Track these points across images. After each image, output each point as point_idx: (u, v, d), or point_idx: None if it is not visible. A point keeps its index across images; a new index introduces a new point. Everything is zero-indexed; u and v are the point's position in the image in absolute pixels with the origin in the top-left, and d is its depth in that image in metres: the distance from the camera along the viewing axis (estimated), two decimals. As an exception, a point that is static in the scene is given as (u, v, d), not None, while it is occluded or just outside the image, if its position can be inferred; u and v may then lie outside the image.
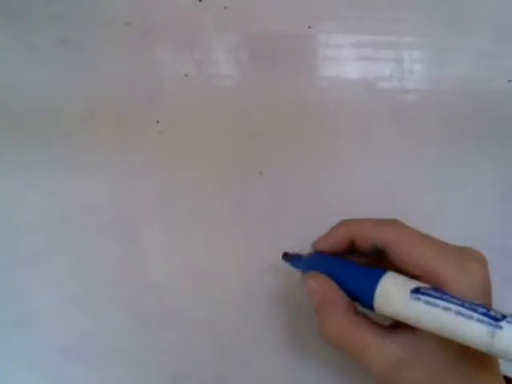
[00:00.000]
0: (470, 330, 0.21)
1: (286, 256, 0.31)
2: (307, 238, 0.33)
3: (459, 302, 0.22)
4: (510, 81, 0.37)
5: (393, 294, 0.24)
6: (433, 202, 0.36)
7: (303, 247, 0.32)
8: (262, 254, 0.35)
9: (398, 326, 0.25)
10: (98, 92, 0.35)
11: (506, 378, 0.27)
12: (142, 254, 0.35)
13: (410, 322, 0.24)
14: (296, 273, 0.35)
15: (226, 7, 0.35)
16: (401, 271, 0.26)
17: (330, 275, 0.27)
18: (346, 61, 0.36)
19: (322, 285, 0.27)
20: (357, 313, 0.27)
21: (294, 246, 0.34)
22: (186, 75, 0.35)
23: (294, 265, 0.31)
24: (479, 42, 0.37)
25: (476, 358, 0.25)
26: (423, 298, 0.23)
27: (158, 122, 0.35)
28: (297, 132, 0.36)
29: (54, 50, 0.35)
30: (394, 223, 0.27)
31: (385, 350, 0.25)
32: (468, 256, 0.26)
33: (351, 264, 0.28)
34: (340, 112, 0.36)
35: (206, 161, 0.36)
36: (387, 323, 0.27)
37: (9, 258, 0.34)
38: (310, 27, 0.36)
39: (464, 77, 0.37)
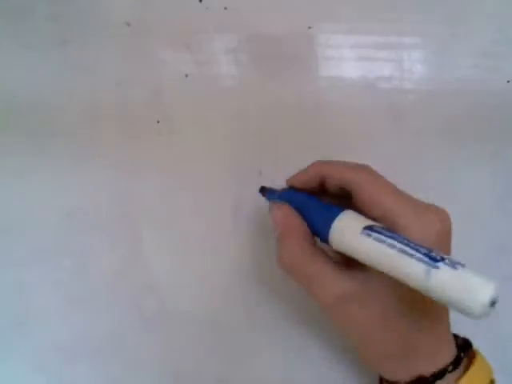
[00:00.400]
0: (409, 267, 0.21)
1: (263, 190, 0.32)
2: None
3: (405, 242, 0.22)
4: (509, 81, 0.37)
5: (346, 229, 0.25)
6: (432, 202, 0.36)
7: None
8: (262, 254, 0.35)
9: (351, 265, 0.26)
10: (99, 92, 0.35)
11: (455, 336, 0.28)
12: (142, 253, 0.35)
13: (359, 256, 0.24)
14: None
15: (226, 8, 0.35)
16: (364, 214, 0.26)
17: (296, 209, 0.28)
18: (346, 61, 0.37)
19: (284, 214, 0.28)
20: (315, 245, 0.27)
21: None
22: (187, 75, 0.36)
23: (269, 198, 0.31)
24: (479, 42, 0.37)
25: (424, 308, 0.25)
26: (373, 234, 0.23)
27: (158, 122, 0.35)
28: (297, 132, 0.36)
29: (54, 50, 0.35)
30: (363, 168, 0.28)
31: (334, 282, 0.26)
32: (428, 208, 0.26)
33: (317, 200, 0.29)
34: (340, 112, 0.36)
35: (206, 161, 0.36)
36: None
37: (9, 257, 0.34)
38: (309, 27, 0.36)
39: (463, 77, 0.37)
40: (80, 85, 0.35)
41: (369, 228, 0.24)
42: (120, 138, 0.35)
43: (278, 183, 0.34)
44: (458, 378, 0.26)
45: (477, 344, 0.28)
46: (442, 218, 0.26)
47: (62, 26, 0.35)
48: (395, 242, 0.22)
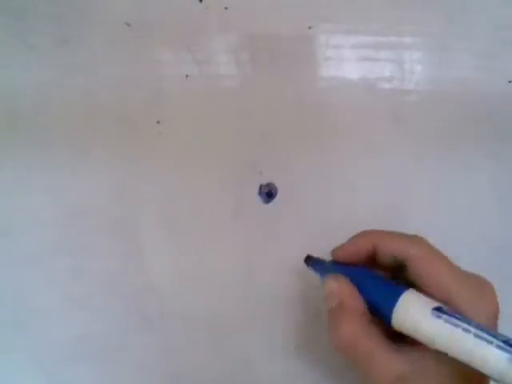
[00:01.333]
0: (489, 354, 0.21)
1: (308, 259, 0.31)
2: (307, 237, 0.33)
3: (479, 327, 0.22)
4: (510, 81, 0.37)
5: (413, 309, 0.24)
6: (433, 203, 0.36)
7: (303, 245, 0.32)
8: (261, 254, 0.35)
9: (406, 343, 0.25)
10: (99, 92, 0.35)
11: None
12: (142, 254, 0.35)
13: (427, 339, 0.24)
14: (295, 270, 0.35)
15: (226, 8, 0.35)
16: (418, 288, 0.26)
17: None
18: (347, 61, 0.37)
19: (342, 287, 0.27)
20: (371, 322, 0.26)
21: (292, 244, 0.35)
22: (187, 76, 0.35)
23: (315, 269, 0.30)
24: (479, 42, 0.37)
25: None
26: (444, 316, 0.23)
27: (158, 122, 0.35)
28: (297, 132, 0.36)
29: (54, 50, 0.35)
30: (418, 239, 0.27)
31: (390, 363, 0.25)
32: (483, 286, 0.26)
33: (373, 275, 0.28)
34: (340, 112, 0.36)
35: (206, 161, 0.36)
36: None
37: (9, 257, 0.34)
38: (310, 28, 0.36)
39: (464, 77, 0.37)
40: (80, 85, 0.35)
41: (438, 309, 0.23)
42: (120, 138, 0.35)
43: (279, 184, 0.34)
44: None
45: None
46: (495, 296, 0.26)
47: (62, 26, 0.35)
48: (469, 327, 0.22)
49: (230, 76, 0.36)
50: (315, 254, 0.31)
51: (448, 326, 0.23)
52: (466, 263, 0.36)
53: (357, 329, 0.26)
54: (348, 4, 0.36)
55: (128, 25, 0.35)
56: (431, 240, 0.27)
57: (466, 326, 0.22)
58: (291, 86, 0.36)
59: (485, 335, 0.22)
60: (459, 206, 0.37)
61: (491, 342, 0.21)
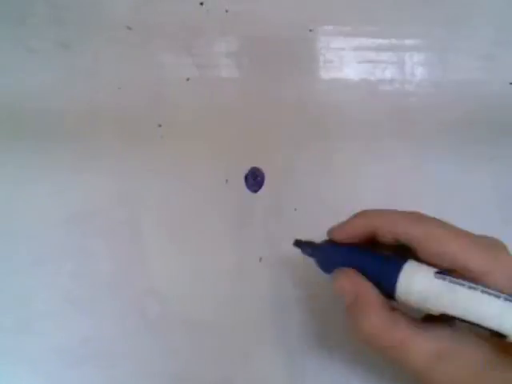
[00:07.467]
0: (498, 308, 0.21)
1: (298, 243, 0.30)
2: (306, 238, 0.32)
3: (482, 285, 0.22)
4: (511, 83, 0.37)
5: (416, 277, 0.24)
6: (433, 204, 0.36)
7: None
8: (262, 255, 0.35)
9: (432, 320, 0.25)
10: (100, 96, 0.35)
11: None
12: (143, 256, 0.35)
13: (434, 305, 0.23)
14: (294, 270, 0.35)
15: (227, 11, 0.35)
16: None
17: (351, 266, 0.26)
18: (348, 64, 0.37)
19: (354, 282, 0.26)
20: (392, 309, 0.26)
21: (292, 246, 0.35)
22: (188, 79, 0.36)
23: (307, 253, 0.29)
24: (480, 44, 0.37)
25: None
26: (448, 277, 0.23)
27: (159, 125, 0.35)
28: (298, 135, 0.36)
29: (55, 53, 0.35)
30: (419, 218, 0.26)
31: (424, 344, 0.24)
32: (497, 248, 0.25)
33: (371, 253, 0.27)
34: (341, 115, 0.36)
35: (207, 164, 0.36)
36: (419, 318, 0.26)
37: (11, 261, 0.34)
38: (311, 30, 0.36)
39: (465, 79, 0.37)
40: (81, 88, 0.35)
41: (441, 273, 0.23)
42: (121, 141, 0.35)
43: (279, 184, 0.34)
44: None
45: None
46: (510, 256, 0.25)
47: (63, 29, 0.35)
48: (475, 285, 0.22)
49: (230, 79, 0.36)
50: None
51: (453, 286, 0.22)
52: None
53: (378, 322, 0.25)
54: (348, 6, 0.36)
55: (129, 28, 0.35)
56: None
57: (471, 284, 0.22)
58: (292, 89, 0.36)
59: (491, 290, 0.21)
60: (459, 207, 0.37)
61: (498, 296, 0.21)
